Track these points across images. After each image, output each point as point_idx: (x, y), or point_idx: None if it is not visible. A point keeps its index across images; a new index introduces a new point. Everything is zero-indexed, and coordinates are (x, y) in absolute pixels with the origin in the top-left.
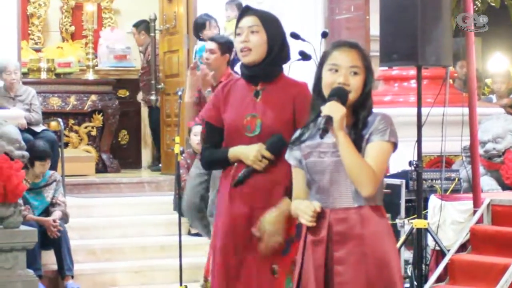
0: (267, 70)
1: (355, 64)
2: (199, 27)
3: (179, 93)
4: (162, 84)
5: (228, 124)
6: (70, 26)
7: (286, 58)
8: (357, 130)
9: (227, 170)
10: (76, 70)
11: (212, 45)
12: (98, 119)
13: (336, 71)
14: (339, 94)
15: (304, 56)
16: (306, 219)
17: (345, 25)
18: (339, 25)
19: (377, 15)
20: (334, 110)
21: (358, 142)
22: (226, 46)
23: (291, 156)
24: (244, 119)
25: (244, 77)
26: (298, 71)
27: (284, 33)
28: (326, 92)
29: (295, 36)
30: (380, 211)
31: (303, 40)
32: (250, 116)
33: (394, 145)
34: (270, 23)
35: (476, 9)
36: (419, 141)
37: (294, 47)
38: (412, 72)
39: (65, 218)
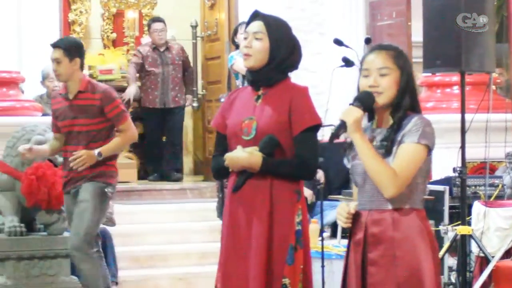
0: (268, 75)
1: (383, 66)
2: (233, 32)
3: (222, 99)
4: (204, 90)
5: (228, 129)
6: (112, 33)
7: (293, 65)
8: (391, 132)
9: (230, 177)
10: (118, 77)
11: (56, 53)
12: (139, 126)
13: (367, 76)
14: (361, 98)
15: (347, 63)
16: (341, 220)
17: (387, 31)
18: (381, 31)
19: (419, 21)
20: (347, 114)
21: (390, 144)
22: (73, 49)
23: (346, 160)
24: (242, 123)
25: (248, 83)
26: (341, 77)
27: (294, 40)
28: None
29: (338, 42)
30: (415, 215)
31: (346, 46)
32: (248, 120)
33: (427, 148)
34: (276, 31)
35: None
36: (462, 148)
37: (337, 53)
38: (455, 78)
39: (110, 223)
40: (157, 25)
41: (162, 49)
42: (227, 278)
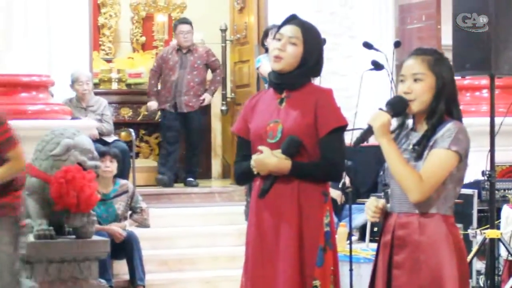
0: (293, 80)
1: (416, 71)
2: (263, 35)
3: None
4: (233, 94)
5: (252, 133)
6: (141, 36)
7: (318, 72)
8: (424, 137)
9: (255, 182)
10: (147, 80)
11: None
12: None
13: (403, 81)
14: (392, 103)
15: (377, 66)
16: (369, 214)
17: (417, 34)
18: (410, 34)
19: (448, 25)
20: (374, 118)
21: (422, 149)
22: None
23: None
24: (267, 126)
25: (270, 84)
26: (370, 80)
27: (322, 49)
28: None
29: (368, 45)
30: (441, 220)
31: (376, 49)
32: (273, 123)
33: (458, 155)
34: (311, 38)
35: None
36: (492, 151)
37: (367, 56)
38: (484, 81)
39: (142, 226)
40: (183, 27)
41: (185, 51)
42: (255, 284)
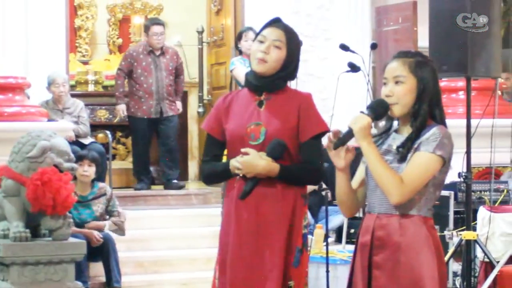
0: (275, 83)
1: (397, 74)
2: (237, 37)
3: None
4: (209, 96)
5: (230, 134)
6: (118, 38)
7: (295, 76)
8: (408, 140)
9: (230, 183)
10: None
11: None
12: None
13: (386, 83)
14: (373, 107)
15: (353, 68)
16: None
17: (393, 36)
18: (386, 36)
19: (425, 27)
20: (354, 121)
21: (406, 151)
22: None
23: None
24: (247, 127)
25: (249, 86)
26: (347, 82)
27: (299, 53)
28: None
29: (344, 47)
30: (422, 222)
31: (353, 51)
32: (254, 125)
33: (442, 159)
34: (293, 43)
35: None
36: (468, 153)
37: (343, 58)
38: (461, 83)
39: (120, 232)
40: (157, 28)
41: (157, 53)
42: (234, 284)
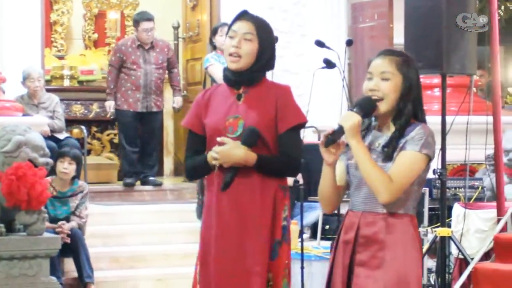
0: (251, 76)
1: (384, 70)
2: (211, 33)
3: None
4: (185, 91)
5: (209, 128)
6: (93, 33)
7: (272, 66)
8: (393, 139)
9: (210, 177)
10: (99, 77)
11: None
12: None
13: (370, 78)
14: (361, 104)
15: (329, 64)
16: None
17: (369, 33)
18: (362, 33)
19: (401, 23)
20: (345, 119)
21: (391, 150)
22: None
23: (344, 157)
24: (226, 121)
25: (226, 81)
26: (322, 78)
27: (274, 42)
28: None
29: (320, 44)
30: (409, 220)
31: (328, 48)
32: (232, 118)
33: (428, 158)
34: (264, 33)
35: (499, 18)
36: (443, 150)
37: (319, 54)
38: (436, 80)
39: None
40: (148, 24)
41: (147, 47)
42: (220, 279)
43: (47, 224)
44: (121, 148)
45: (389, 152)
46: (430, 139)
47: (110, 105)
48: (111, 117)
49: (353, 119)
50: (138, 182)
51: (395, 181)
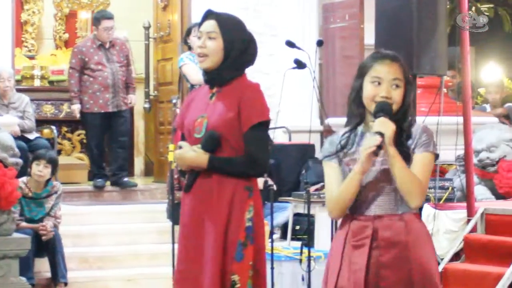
0: (222, 74)
1: (396, 77)
2: (186, 33)
3: (173, 101)
4: (156, 92)
5: (184, 128)
6: (64, 33)
7: (249, 61)
8: (402, 142)
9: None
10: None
11: None
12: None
13: (379, 83)
14: (386, 110)
15: (299, 64)
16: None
17: (340, 34)
18: (333, 34)
19: (372, 24)
20: (385, 126)
21: (406, 153)
22: None
23: (328, 165)
24: (195, 121)
25: (204, 81)
26: (293, 79)
27: (247, 37)
28: (368, 104)
29: (290, 44)
30: (419, 218)
31: (299, 48)
32: (200, 118)
33: (436, 156)
34: (229, 29)
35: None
36: None
37: (290, 55)
38: None
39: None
40: (108, 23)
41: (107, 46)
42: (179, 279)
43: (25, 224)
44: (89, 150)
45: (407, 153)
46: (433, 138)
47: (77, 108)
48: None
49: (391, 126)
50: (108, 183)
51: (424, 184)
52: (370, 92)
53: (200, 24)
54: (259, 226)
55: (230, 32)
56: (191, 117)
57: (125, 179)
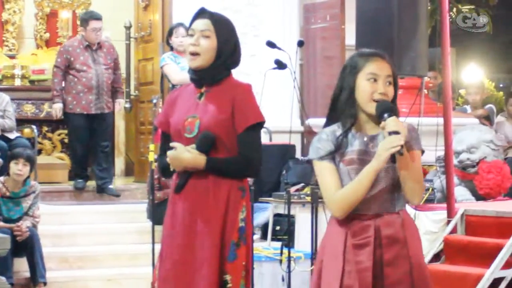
0: (213, 74)
1: (390, 74)
2: (168, 34)
3: (154, 100)
4: (137, 91)
5: (171, 127)
6: (45, 33)
7: (236, 62)
8: None
9: (174, 177)
10: (50, 77)
11: None
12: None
13: (375, 80)
14: (392, 108)
15: (280, 65)
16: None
17: (321, 34)
18: (314, 34)
19: (352, 25)
20: (400, 126)
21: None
22: None
23: (323, 165)
24: (185, 120)
25: (191, 80)
26: (274, 79)
27: (236, 38)
28: (365, 102)
29: (271, 44)
30: (409, 214)
31: (279, 48)
32: (191, 117)
33: (422, 153)
34: (223, 28)
35: (451, 20)
36: None
37: (271, 55)
38: None
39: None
40: (97, 23)
41: (94, 48)
42: (167, 279)
43: (1, 224)
44: (71, 150)
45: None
46: None
47: (59, 107)
48: (62, 117)
49: (403, 125)
50: (89, 183)
51: (422, 182)
52: (368, 89)
53: (191, 22)
54: (249, 226)
55: (224, 31)
56: (179, 117)
57: (110, 186)
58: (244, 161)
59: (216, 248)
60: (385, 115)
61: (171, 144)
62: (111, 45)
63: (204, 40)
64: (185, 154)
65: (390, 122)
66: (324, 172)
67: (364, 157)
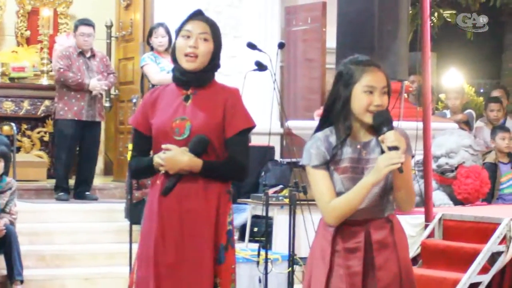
0: (204, 77)
1: (385, 85)
2: (148, 34)
3: (134, 100)
4: (117, 91)
5: (156, 129)
6: (26, 30)
7: (219, 66)
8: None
9: (154, 178)
10: (31, 75)
11: None
12: (51, 125)
13: (371, 92)
14: (389, 120)
15: (260, 66)
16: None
17: (302, 36)
18: (295, 36)
19: (334, 28)
20: (399, 140)
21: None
22: None
23: (318, 173)
24: (172, 122)
25: (176, 81)
26: (254, 80)
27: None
28: (361, 113)
29: (251, 46)
30: (397, 218)
31: (260, 50)
32: (179, 120)
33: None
34: (218, 32)
35: (432, 24)
36: None
37: (251, 57)
38: None
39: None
40: (84, 29)
41: (87, 55)
42: (160, 283)
43: None
44: (56, 159)
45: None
46: None
47: (91, 82)
48: (42, 115)
49: (402, 138)
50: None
51: (413, 188)
52: (364, 102)
53: (185, 23)
54: (234, 229)
55: (218, 36)
56: (165, 118)
57: (87, 193)
58: (236, 165)
59: (211, 251)
60: (384, 128)
61: (164, 146)
62: (104, 56)
63: (203, 43)
64: (182, 157)
65: (390, 137)
66: (317, 179)
67: (358, 164)
